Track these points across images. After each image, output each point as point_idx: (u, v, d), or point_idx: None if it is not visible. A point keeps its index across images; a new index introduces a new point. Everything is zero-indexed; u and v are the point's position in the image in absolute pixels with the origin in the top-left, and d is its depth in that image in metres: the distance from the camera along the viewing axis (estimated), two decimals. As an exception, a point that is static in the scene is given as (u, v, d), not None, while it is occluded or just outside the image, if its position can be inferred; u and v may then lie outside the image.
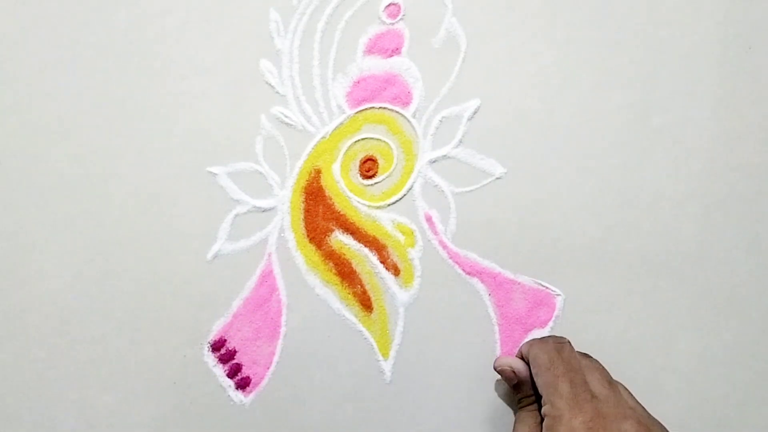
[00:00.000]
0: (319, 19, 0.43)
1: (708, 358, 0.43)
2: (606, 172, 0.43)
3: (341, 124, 0.43)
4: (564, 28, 0.43)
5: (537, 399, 0.39)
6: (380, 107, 0.43)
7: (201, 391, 0.42)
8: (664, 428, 0.36)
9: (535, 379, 0.38)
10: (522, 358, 0.40)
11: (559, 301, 0.43)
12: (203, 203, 0.42)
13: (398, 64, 0.43)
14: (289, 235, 0.43)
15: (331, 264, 0.43)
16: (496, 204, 0.43)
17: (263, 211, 0.43)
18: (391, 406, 0.42)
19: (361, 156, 0.43)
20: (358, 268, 0.43)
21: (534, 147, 0.43)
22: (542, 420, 0.37)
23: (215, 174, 0.43)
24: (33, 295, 0.42)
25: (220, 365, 0.42)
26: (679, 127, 0.43)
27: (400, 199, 0.43)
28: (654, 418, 0.37)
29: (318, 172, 0.43)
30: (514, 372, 0.40)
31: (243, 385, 0.42)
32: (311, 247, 0.43)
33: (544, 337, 0.40)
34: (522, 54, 0.43)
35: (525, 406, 0.39)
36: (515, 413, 0.39)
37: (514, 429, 0.39)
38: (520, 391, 0.40)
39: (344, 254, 0.43)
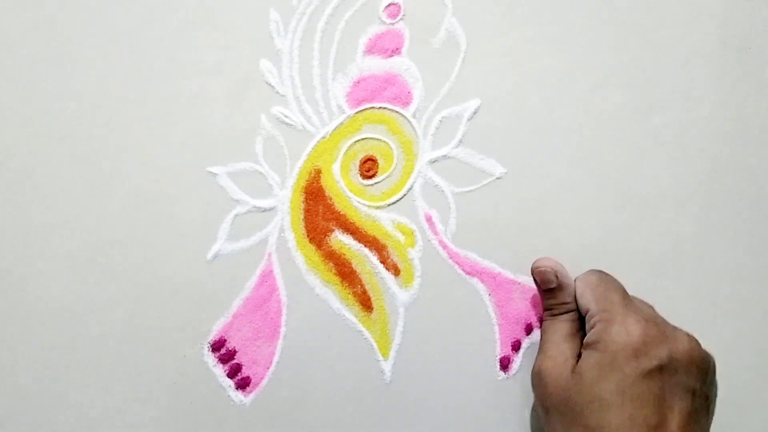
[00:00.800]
0: (319, 19, 0.43)
1: (708, 358, 0.43)
2: (606, 172, 0.43)
3: (341, 124, 0.43)
4: (564, 28, 0.43)
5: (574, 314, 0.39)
6: (380, 107, 0.43)
7: (201, 391, 0.42)
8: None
9: (580, 300, 0.38)
10: None
11: (559, 301, 0.42)
12: (203, 203, 0.42)
13: (398, 64, 0.43)
14: (289, 235, 0.43)
15: (331, 264, 0.43)
16: (496, 204, 0.43)
17: (263, 211, 0.43)
18: (391, 406, 0.42)
19: (361, 156, 0.43)
20: (358, 268, 0.43)
21: (534, 147, 0.43)
22: (582, 332, 0.38)
23: (215, 174, 0.43)
24: (33, 294, 0.42)
25: (220, 365, 0.42)
26: (679, 127, 0.43)
27: (400, 199, 0.43)
28: None
29: (318, 172, 0.43)
30: (556, 275, 0.39)
31: (243, 385, 0.42)
32: (311, 247, 0.43)
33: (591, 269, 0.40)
34: (522, 54, 0.43)
35: (557, 314, 0.39)
36: (533, 374, 0.38)
37: (542, 337, 0.39)
38: (554, 297, 0.39)
39: (344, 254, 0.43)
